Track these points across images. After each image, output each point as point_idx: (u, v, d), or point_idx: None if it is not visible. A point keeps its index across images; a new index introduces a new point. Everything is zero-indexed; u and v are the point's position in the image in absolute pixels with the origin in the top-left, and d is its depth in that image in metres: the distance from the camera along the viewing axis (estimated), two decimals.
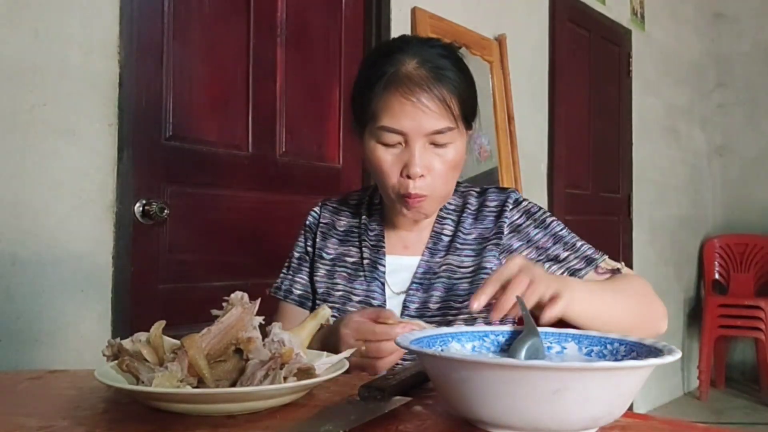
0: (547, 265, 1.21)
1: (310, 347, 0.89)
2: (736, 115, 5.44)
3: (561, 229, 1.24)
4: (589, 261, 1.20)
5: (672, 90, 4.93)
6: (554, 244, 1.22)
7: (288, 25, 2.33)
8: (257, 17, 2.23)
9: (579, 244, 1.23)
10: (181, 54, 2.01)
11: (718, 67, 5.49)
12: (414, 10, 2.72)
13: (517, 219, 1.24)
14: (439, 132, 1.12)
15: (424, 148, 1.13)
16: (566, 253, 1.21)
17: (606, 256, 1.23)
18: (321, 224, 1.33)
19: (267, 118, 2.26)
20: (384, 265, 1.25)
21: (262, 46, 2.25)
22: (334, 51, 2.50)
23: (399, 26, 2.65)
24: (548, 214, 1.26)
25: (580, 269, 1.20)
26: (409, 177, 1.13)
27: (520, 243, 1.22)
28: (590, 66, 4.01)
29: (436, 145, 1.14)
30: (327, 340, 1.05)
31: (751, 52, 5.38)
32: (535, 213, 1.25)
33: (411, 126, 1.11)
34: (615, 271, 1.21)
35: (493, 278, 0.90)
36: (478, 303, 0.88)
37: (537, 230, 1.23)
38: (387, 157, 1.15)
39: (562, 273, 1.20)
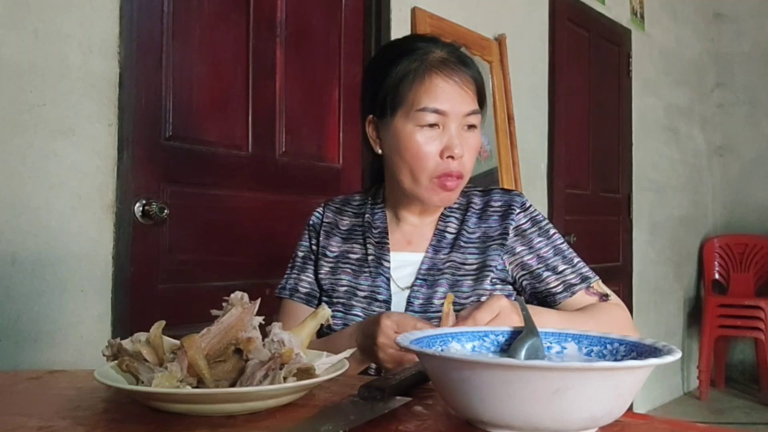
0: (545, 274, 1.23)
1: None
2: (736, 115, 5.44)
3: (561, 243, 1.27)
4: (584, 279, 1.24)
5: (672, 90, 4.93)
6: (554, 255, 1.24)
7: (288, 25, 2.33)
8: (257, 17, 2.23)
9: (576, 260, 1.26)
10: (181, 54, 2.01)
11: (718, 67, 5.49)
12: (414, 10, 2.72)
13: (523, 223, 1.25)
14: (473, 113, 1.19)
15: (459, 130, 1.18)
16: (564, 267, 1.24)
17: (599, 279, 1.26)
18: (324, 223, 1.35)
19: (267, 118, 2.26)
20: (389, 261, 1.26)
21: (262, 46, 2.25)
22: (334, 51, 2.50)
23: (399, 26, 2.65)
24: (551, 225, 1.29)
25: (575, 284, 1.23)
26: (450, 157, 1.17)
27: (523, 248, 1.24)
28: (590, 66, 4.01)
29: (467, 128, 1.19)
30: (367, 330, 1.08)
31: (751, 52, 5.38)
32: (541, 222, 1.27)
33: (451, 107, 1.17)
34: (603, 297, 1.24)
35: (476, 319, 0.98)
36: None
37: (540, 239, 1.25)
38: (425, 140, 1.18)
39: (558, 284, 1.23)
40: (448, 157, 1.17)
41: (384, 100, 1.21)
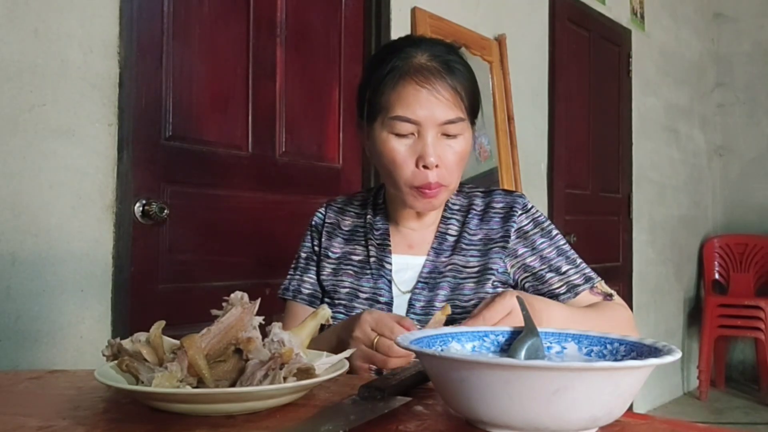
0: (548, 275, 1.23)
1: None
2: (736, 115, 5.44)
3: (564, 244, 1.26)
4: (587, 279, 1.24)
5: (672, 90, 4.93)
6: (557, 256, 1.24)
7: (288, 25, 2.33)
8: (257, 17, 2.23)
9: (579, 261, 1.26)
10: (181, 54, 2.01)
11: (718, 67, 5.49)
12: (414, 10, 2.72)
13: (525, 225, 1.25)
14: (451, 122, 1.15)
15: (436, 139, 1.15)
16: (567, 267, 1.23)
17: (602, 280, 1.26)
18: (326, 224, 1.34)
19: (267, 118, 2.26)
20: (390, 264, 1.25)
21: (262, 46, 2.25)
22: (334, 51, 2.50)
23: (399, 26, 2.65)
24: (553, 226, 1.28)
25: (578, 285, 1.23)
26: (425, 167, 1.14)
27: (525, 249, 1.23)
28: (590, 66, 4.01)
29: (447, 136, 1.16)
30: (347, 325, 1.07)
31: (751, 52, 5.38)
32: (543, 223, 1.26)
33: (425, 115, 1.13)
34: (607, 296, 1.24)
35: (486, 318, 0.97)
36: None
37: (543, 240, 1.24)
38: (400, 149, 1.16)
39: (561, 285, 1.22)
40: (423, 166, 1.14)
41: (365, 105, 1.20)
